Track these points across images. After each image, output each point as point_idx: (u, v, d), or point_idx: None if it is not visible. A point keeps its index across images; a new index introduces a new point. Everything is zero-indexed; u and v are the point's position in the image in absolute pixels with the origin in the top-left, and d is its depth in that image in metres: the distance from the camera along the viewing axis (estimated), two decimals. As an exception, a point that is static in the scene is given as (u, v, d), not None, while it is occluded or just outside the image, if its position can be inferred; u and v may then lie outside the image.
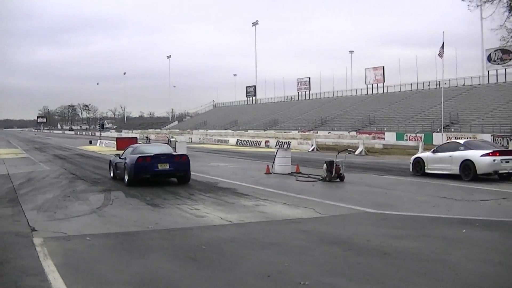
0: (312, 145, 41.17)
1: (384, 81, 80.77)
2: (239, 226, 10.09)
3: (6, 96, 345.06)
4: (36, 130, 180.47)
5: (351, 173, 19.68)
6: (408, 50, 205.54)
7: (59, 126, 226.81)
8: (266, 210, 11.86)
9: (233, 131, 72.55)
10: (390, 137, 50.85)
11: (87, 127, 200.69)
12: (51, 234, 9.20)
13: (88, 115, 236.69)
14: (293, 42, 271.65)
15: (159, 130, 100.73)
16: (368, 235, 9.02)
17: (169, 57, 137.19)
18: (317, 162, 25.36)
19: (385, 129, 58.78)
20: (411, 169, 20.11)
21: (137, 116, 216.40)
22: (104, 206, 12.56)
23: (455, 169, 18.20)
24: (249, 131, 71.92)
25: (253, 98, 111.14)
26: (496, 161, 17.18)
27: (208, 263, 7.17)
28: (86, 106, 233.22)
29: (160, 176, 17.46)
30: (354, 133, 57.46)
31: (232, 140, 56.67)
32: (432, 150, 20.16)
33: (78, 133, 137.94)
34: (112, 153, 33.08)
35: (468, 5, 24.03)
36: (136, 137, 51.56)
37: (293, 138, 48.93)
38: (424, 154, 20.55)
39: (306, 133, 58.87)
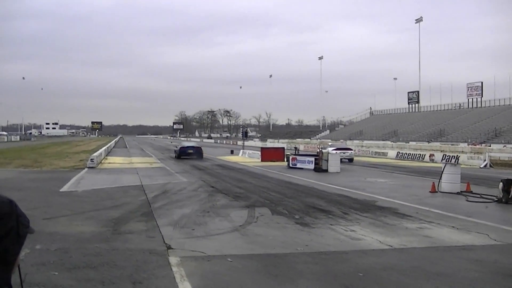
0: (485, 160, 38.93)
1: None
2: (401, 251, 9.78)
3: (141, 99, 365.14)
4: (172, 138, 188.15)
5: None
6: None
7: (196, 134, 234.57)
8: (432, 234, 11.39)
9: (392, 143, 70.87)
10: None
11: (228, 135, 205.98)
12: (189, 253, 9.35)
13: (229, 122, 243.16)
14: (462, 42, 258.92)
15: (309, 140, 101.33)
16: (554, 269, 8.33)
17: (320, 58, 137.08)
18: (490, 180, 24.34)
19: None
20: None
21: (284, 123, 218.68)
22: (247, 224, 12.68)
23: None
24: (410, 143, 69.76)
25: (416, 105, 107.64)
26: (338, 153, 38.59)
27: (365, 293, 6.97)
28: (227, 112, 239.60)
29: (189, 155, 44.44)
30: (534, 146, 53.02)
31: (391, 153, 55.44)
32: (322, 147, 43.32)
33: (218, 141, 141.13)
34: (256, 164, 34.57)
35: None
36: (283, 147, 52.22)
37: (462, 151, 46.74)
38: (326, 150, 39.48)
39: (477, 146, 55.54)
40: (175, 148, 48.95)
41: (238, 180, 25.09)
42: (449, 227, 12.30)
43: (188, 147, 47.59)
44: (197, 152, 45.83)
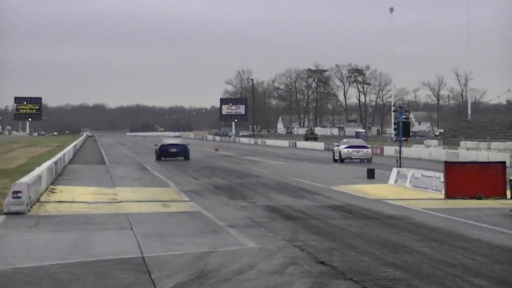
0: None
1: None
2: None
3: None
4: (215, 135, 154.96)
5: None
6: None
7: (279, 128, 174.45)
8: None
9: None
10: None
11: (361, 131, 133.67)
12: None
13: (360, 98, 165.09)
14: None
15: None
16: None
17: None
18: None
19: None
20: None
21: (503, 102, 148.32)
22: None
23: (338, 155, 57.75)
24: None
25: None
26: (349, 151, 55.96)
27: None
28: (359, 72, 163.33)
29: (172, 155, 53.93)
30: None
31: None
32: (335, 145, 64.20)
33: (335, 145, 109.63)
34: (432, 206, 25.82)
35: None
36: (503, 162, 33.76)
37: None
38: (336, 148, 60.25)
39: None
40: (156, 148, 56.14)
41: (388, 247, 15.83)
42: None
43: (170, 145, 54.93)
44: (183, 151, 53.29)
